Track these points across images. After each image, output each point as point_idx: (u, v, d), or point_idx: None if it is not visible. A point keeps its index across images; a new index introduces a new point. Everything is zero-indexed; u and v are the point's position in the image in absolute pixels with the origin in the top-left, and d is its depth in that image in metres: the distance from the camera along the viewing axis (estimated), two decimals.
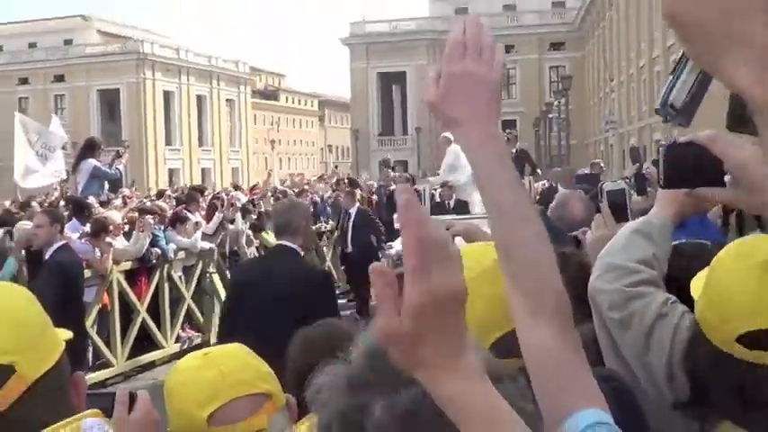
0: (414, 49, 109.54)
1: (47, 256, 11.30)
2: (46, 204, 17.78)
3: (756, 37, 1.10)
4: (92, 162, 17.47)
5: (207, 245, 17.05)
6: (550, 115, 69.24)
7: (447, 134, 23.56)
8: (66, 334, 2.29)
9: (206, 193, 22.10)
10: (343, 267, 21.01)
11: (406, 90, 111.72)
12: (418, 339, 1.38)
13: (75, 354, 10.52)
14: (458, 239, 4.14)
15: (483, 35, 1.99)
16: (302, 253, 8.12)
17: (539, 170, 25.80)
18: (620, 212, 3.85)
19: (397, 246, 14.15)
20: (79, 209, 15.03)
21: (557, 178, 19.24)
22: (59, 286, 10.62)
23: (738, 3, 1.12)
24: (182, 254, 16.50)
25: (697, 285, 2.38)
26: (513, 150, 24.19)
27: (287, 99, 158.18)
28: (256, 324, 6.55)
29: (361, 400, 1.49)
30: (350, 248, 17.05)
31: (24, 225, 13.24)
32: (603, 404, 1.82)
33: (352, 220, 18.01)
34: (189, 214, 16.80)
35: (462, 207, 18.81)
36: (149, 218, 15.20)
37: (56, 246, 11.27)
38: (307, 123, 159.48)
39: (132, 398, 2.50)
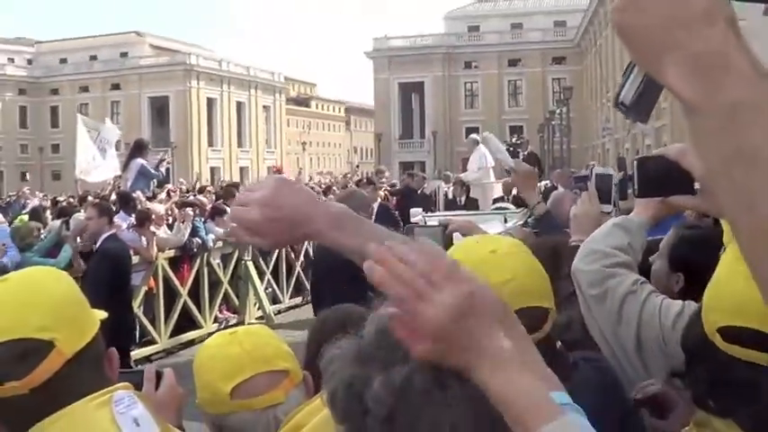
0: (430, 62, 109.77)
1: (97, 245, 11.33)
2: (100, 198, 17.83)
3: (690, 45, 1.13)
4: (139, 161, 17.57)
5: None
6: (553, 122, 69.12)
7: (474, 136, 23.57)
8: (101, 314, 2.30)
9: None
10: None
11: (423, 98, 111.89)
12: (451, 353, 1.39)
13: (125, 331, 10.62)
14: (456, 234, 4.13)
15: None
16: None
17: (544, 171, 26.08)
18: (604, 195, 3.91)
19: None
20: (125, 202, 15.08)
21: (557, 179, 19.20)
22: (108, 270, 10.64)
23: (677, 15, 1.15)
24: (220, 243, 16.54)
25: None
26: (525, 153, 24.31)
27: (317, 106, 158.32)
28: (326, 292, 7.09)
29: (366, 373, 1.46)
30: None
31: (80, 216, 13.30)
32: (560, 385, 1.80)
33: (375, 213, 17.90)
34: (227, 207, 16.84)
35: (473, 204, 18.75)
36: (189, 210, 15.27)
37: (105, 235, 11.29)
38: (334, 127, 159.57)
39: (159, 375, 2.51)
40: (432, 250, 1.44)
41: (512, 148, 23.16)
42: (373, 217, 17.78)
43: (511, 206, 17.68)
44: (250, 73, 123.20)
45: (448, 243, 3.16)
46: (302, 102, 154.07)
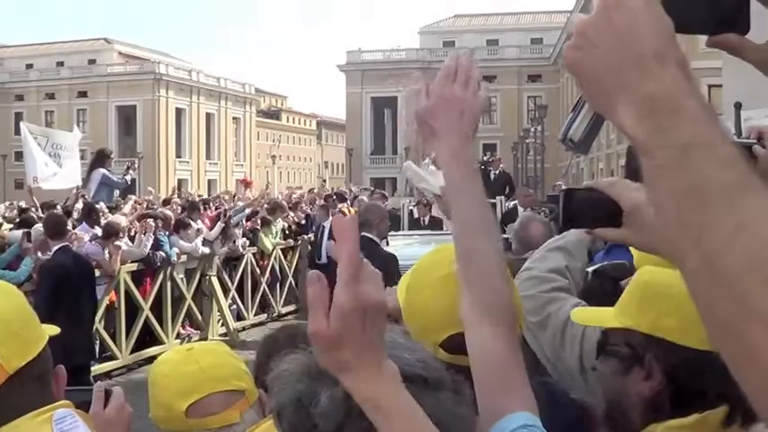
0: (405, 77, 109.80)
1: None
2: (63, 208, 17.69)
3: (640, 86, 1.16)
4: (101, 171, 17.49)
5: (207, 250, 17.06)
6: (527, 140, 69.47)
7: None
8: (53, 330, 2.30)
9: (211, 204, 22.11)
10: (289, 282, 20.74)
11: (396, 113, 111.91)
12: (342, 342, 1.43)
13: (78, 347, 10.43)
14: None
15: (472, 69, 2.12)
16: (379, 240, 11.07)
17: (516, 190, 25.88)
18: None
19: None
20: (88, 213, 15.03)
21: (519, 199, 19.34)
22: (50, 284, 10.60)
23: (629, 56, 1.18)
24: (184, 257, 16.51)
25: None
26: (497, 171, 24.34)
27: (288, 119, 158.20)
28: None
29: (315, 388, 1.50)
30: (323, 259, 16.78)
31: (41, 228, 13.24)
32: (534, 409, 1.84)
33: (326, 232, 17.74)
34: (191, 221, 16.81)
35: (436, 223, 18.85)
36: (151, 221, 15.22)
37: (55, 248, 11.26)
38: (305, 141, 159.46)
39: (108, 394, 2.50)
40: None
41: (483, 167, 23.00)
42: (325, 235, 17.72)
43: None
44: (220, 84, 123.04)
45: None
46: (273, 114, 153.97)
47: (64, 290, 10.76)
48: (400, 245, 17.23)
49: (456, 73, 2.11)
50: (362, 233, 9.63)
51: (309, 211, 23.11)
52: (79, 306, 11.40)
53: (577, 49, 1.25)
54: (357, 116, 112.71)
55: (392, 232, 17.84)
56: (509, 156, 73.21)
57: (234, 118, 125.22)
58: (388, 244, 18.19)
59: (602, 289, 3.03)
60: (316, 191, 33.17)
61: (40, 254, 12.09)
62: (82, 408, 2.21)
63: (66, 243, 11.51)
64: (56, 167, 18.32)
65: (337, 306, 1.42)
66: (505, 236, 12.99)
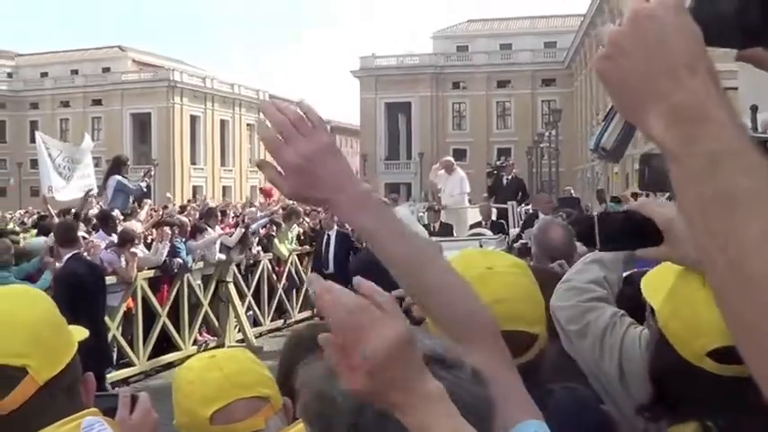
0: (418, 82, 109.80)
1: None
2: (82, 216, 17.73)
3: (671, 95, 1.19)
4: (116, 178, 17.51)
5: (223, 256, 17.09)
6: (542, 145, 69.22)
7: (449, 158, 23.46)
8: (83, 333, 2.30)
9: (229, 210, 22.14)
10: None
11: (411, 119, 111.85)
12: (383, 390, 1.42)
13: (96, 355, 10.46)
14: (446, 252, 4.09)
15: (287, 113, 1.88)
16: None
17: (529, 195, 25.51)
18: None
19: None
20: (104, 220, 15.08)
21: (536, 204, 19.15)
22: (65, 293, 10.51)
23: (660, 65, 1.21)
24: (200, 264, 16.54)
25: (653, 292, 2.39)
26: (510, 176, 24.09)
27: None
28: None
29: (336, 383, 1.49)
30: (330, 269, 16.42)
31: None
32: (539, 415, 1.83)
33: (332, 241, 17.52)
34: (207, 227, 16.83)
35: (447, 229, 18.68)
36: (167, 229, 15.24)
37: (66, 257, 11.27)
38: None
39: (134, 399, 2.50)
40: (367, 286, 1.49)
41: (495, 172, 22.80)
42: (331, 244, 17.49)
43: (488, 232, 17.70)
44: (234, 90, 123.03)
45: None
46: None
47: (80, 297, 10.75)
48: None
49: (281, 131, 1.88)
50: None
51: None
52: (95, 313, 11.43)
53: (608, 59, 1.27)
54: (371, 121, 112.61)
55: None
56: (523, 160, 73.08)
57: (248, 124, 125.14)
58: None
59: (630, 295, 3.07)
60: None
61: (55, 263, 12.10)
62: (108, 414, 2.21)
63: (78, 251, 11.51)
64: (65, 181, 18.37)
65: (362, 373, 1.42)
66: (523, 241, 12.95)
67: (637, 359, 2.74)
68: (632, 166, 60.57)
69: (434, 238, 16.66)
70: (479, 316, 1.94)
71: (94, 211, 17.30)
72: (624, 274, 3.30)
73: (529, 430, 1.78)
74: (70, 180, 18.46)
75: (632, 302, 2.88)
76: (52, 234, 13.70)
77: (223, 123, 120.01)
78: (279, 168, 1.87)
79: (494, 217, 19.14)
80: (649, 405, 2.38)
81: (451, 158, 23.69)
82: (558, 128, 62.22)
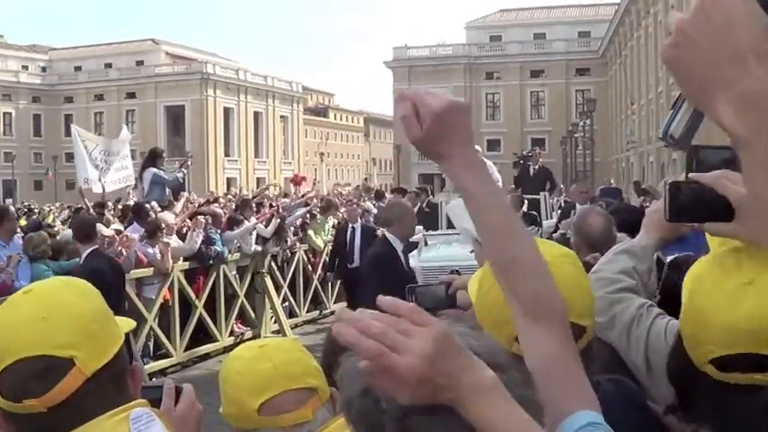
0: (451, 72, 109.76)
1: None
2: (119, 208, 17.83)
3: (739, 82, 1.20)
4: (152, 170, 17.56)
5: (259, 247, 17.13)
6: (576, 135, 69.08)
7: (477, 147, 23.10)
8: (129, 324, 2.28)
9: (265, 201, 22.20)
10: (339, 282, 18.80)
11: None
12: (432, 393, 1.42)
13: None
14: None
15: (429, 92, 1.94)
16: (400, 242, 10.01)
17: (561, 186, 24.99)
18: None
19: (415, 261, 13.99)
20: (138, 213, 15.15)
21: (572, 195, 18.92)
22: None
23: (727, 52, 1.22)
24: (236, 255, 16.59)
25: (684, 290, 2.37)
26: (537, 166, 23.56)
27: (335, 116, 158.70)
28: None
29: None
30: (355, 263, 16.00)
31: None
32: (597, 406, 1.82)
33: (357, 234, 17.29)
34: (244, 219, 16.86)
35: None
36: (201, 218, 15.24)
37: (85, 253, 11.29)
38: (353, 138, 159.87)
39: (178, 391, 2.50)
40: (390, 303, 1.48)
41: (521, 161, 22.40)
42: (356, 237, 17.19)
43: None
44: (267, 82, 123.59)
45: (452, 302, 3.12)
46: (320, 112, 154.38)
47: (103, 294, 10.80)
48: (439, 245, 17.09)
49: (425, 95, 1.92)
50: (386, 232, 10.17)
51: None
52: (117, 309, 11.45)
53: (676, 47, 1.28)
54: None
55: (430, 231, 17.49)
56: (557, 150, 73.02)
57: (281, 116, 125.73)
58: (426, 244, 17.78)
59: (673, 280, 3.05)
60: (360, 187, 33.00)
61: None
62: (152, 405, 2.21)
63: (96, 246, 11.55)
64: (101, 174, 18.49)
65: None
66: (561, 231, 12.83)
67: (663, 351, 2.73)
68: (669, 156, 60.26)
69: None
70: (555, 300, 1.95)
71: (130, 203, 17.39)
72: (668, 258, 3.28)
73: (582, 421, 1.75)
74: (107, 173, 18.58)
75: (673, 287, 2.87)
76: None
77: (257, 115, 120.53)
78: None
79: (524, 208, 18.96)
80: (678, 406, 2.36)
81: (478, 147, 23.18)
82: (592, 117, 61.95)
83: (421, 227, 15.98)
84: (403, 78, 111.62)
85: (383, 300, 1.49)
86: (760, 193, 1.16)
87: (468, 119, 1.94)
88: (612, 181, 30.09)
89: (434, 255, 16.66)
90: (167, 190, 17.72)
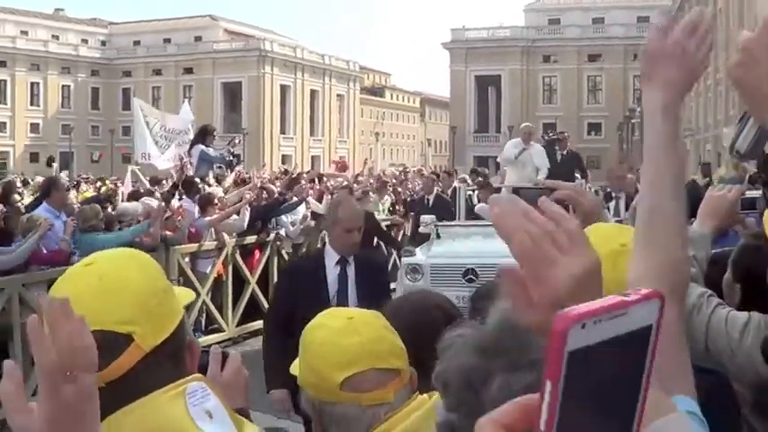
0: (508, 55, 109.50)
1: None
2: (170, 184, 17.99)
3: None
4: (200, 147, 17.68)
5: (313, 223, 17.16)
6: (633, 120, 68.70)
7: (528, 124, 21.48)
8: (189, 296, 2.26)
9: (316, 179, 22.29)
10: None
11: (500, 91, 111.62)
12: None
13: None
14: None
15: (709, 33, 1.88)
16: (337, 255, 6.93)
17: (588, 173, 23.22)
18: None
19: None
20: (188, 188, 15.30)
21: (609, 179, 18.15)
22: None
23: None
24: (292, 228, 16.64)
25: None
26: (565, 152, 21.51)
27: (391, 96, 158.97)
28: None
29: (488, 367, 1.43)
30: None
31: (148, 201, 13.57)
32: (695, 395, 1.77)
33: (431, 206, 17.01)
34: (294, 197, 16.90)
35: None
36: (248, 195, 15.29)
37: None
38: (408, 119, 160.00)
39: (224, 356, 2.48)
40: (555, 210, 1.34)
41: (546, 145, 20.91)
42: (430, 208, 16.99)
43: None
44: (324, 61, 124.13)
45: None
46: (376, 92, 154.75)
47: None
48: (458, 237, 14.91)
49: (695, 31, 1.87)
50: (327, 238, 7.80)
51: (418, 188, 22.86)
52: None
53: (742, 66, 1.34)
54: (461, 94, 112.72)
55: (444, 222, 15.56)
56: (614, 135, 72.63)
57: (338, 95, 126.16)
58: (438, 236, 14.87)
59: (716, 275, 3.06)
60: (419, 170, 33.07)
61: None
62: (198, 371, 2.19)
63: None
64: (161, 149, 18.62)
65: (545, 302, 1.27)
66: (618, 219, 12.49)
67: (723, 342, 2.83)
68: (723, 145, 59.78)
69: (485, 222, 14.14)
70: (684, 269, 1.92)
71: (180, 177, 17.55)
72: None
73: (683, 406, 1.70)
74: (167, 149, 18.68)
75: (715, 283, 2.89)
76: (144, 199, 13.92)
77: (313, 93, 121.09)
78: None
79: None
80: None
81: (528, 124, 21.37)
82: None
83: (433, 216, 15.06)
84: (460, 60, 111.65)
85: (548, 205, 1.34)
86: None
87: (698, 76, 1.89)
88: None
89: (446, 250, 13.93)
90: (215, 166, 17.83)
